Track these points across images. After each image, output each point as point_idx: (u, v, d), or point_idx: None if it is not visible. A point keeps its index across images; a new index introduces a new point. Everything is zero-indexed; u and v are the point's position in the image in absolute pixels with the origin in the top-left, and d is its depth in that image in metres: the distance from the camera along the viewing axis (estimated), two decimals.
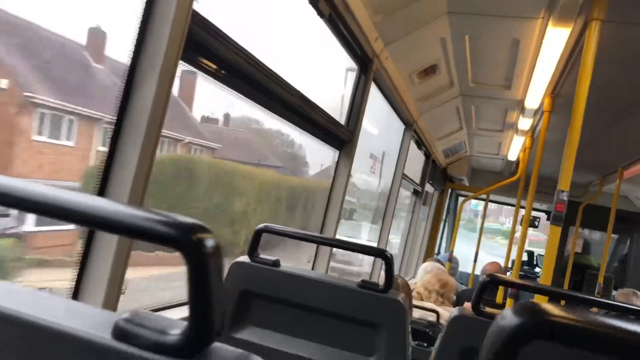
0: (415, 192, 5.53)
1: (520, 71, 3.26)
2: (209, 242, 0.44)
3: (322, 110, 2.33)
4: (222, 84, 1.53)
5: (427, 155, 5.40)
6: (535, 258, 8.88)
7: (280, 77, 1.88)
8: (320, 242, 1.90)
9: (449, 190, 7.47)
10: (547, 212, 8.10)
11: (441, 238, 7.84)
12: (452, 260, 5.55)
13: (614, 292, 6.06)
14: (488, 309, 1.37)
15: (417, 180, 5.41)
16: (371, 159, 3.90)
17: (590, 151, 5.17)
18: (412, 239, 5.95)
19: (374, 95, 3.31)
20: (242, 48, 1.53)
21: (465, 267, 6.57)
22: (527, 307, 0.40)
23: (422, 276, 4.22)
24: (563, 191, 2.10)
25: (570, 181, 2.11)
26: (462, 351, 1.36)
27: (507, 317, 0.40)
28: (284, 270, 1.51)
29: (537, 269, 8.50)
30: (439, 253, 7.36)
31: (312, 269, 2.68)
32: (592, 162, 5.79)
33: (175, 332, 0.45)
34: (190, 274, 0.43)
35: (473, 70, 3.42)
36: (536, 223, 8.00)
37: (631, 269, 6.75)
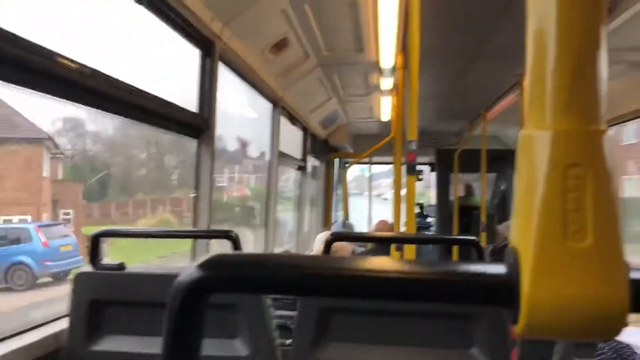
0: (299, 168, 5.57)
1: (367, 32, 3.34)
2: None
3: (168, 102, 2.24)
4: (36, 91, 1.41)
5: (304, 129, 5.44)
6: (423, 209, 9.32)
7: (110, 76, 1.77)
8: (164, 236, 1.84)
9: (335, 160, 7.61)
10: (430, 164, 8.53)
11: (336, 208, 8.01)
12: (345, 226, 5.68)
13: (498, 227, 6.52)
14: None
15: (299, 156, 5.44)
16: (238, 143, 3.85)
17: (453, 99, 5.48)
18: (305, 214, 6.01)
19: (232, 79, 3.25)
20: (50, 50, 1.41)
21: (363, 229, 6.76)
22: (206, 262, 0.39)
23: (318, 247, 4.29)
24: (411, 141, 2.18)
25: (416, 130, 2.20)
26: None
27: (188, 270, 0.39)
28: (129, 273, 1.45)
29: (428, 219, 8.93)
30: (335, 222, 7.51)
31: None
32: (459, 109, 6.15)
33: None
34: None
35: (324, 39, 3.46)
36: (420, 177, 8.39)
37: (509, 203, 7.29)
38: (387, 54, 3.60)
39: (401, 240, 1.78)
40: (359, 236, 1.84)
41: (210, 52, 2.59)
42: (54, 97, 1.58)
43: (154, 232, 1.57)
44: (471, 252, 1.60)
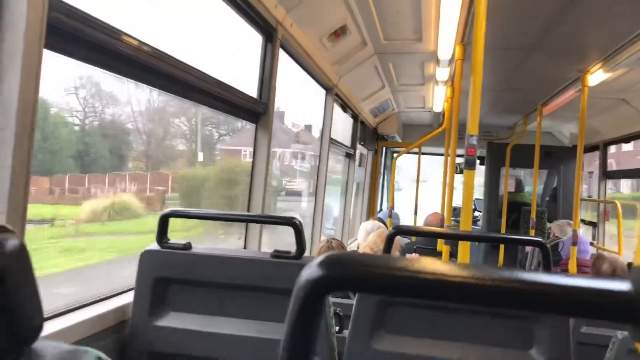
0: (348, 155, 5.58)
1: (427, 22, 3.29)
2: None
3: (229, 85, 2.28)
4: (104, 69, 1.46)
5: (355, 117, 5.43)
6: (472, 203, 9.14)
7: (175, 58, 1.82)
8: (228, 219, 1.88)
9: (383, 149, 7.57)
10: (480, 157, 8.37)
11: (382, 196, 7.98)
12: (392, 216, 5.66)
13: (549, 225, 6.36)
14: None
15: (348, 144, 5.44)
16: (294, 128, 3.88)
17: (509, 92, 5.34)
18: (351, 201, 6.02)
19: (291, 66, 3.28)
20: (119, 30, 1.46)
21: (408, 220, 6.72)
22: (327, 259, 0.40)
23: (363, 236, 4.29)
24: (472, 135, 2.15)
25: (477, 125, 2.16)
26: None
27: (311, 267, 0.40)
28: (196, 253, 1.49)
29: (475, 213, 8.79)
30: (380, 210, 7.49)
31: (245, 247, 2.66)
32: (514, 103, 5.99)
33: None
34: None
35: (382, 27, 3.43)
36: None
37: (561, 200, 7.10)
38: (446, 44, 3.54)
39: (465, 238, 1.76)
40: (421, 232, 1.83)
41: (272, 38, 2.62)
42: (115, 74, 1.63)
43: (218, 215, 1.61)
44: (518, 250, 1.59)
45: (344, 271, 0.40)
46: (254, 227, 2.65)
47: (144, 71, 1.65)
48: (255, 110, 2.61)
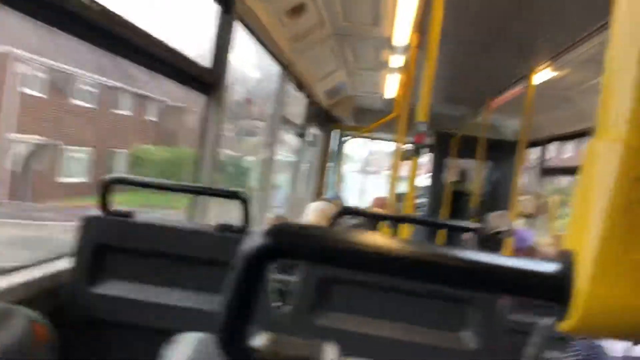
0: (299, 135, 5.57)
1: (385, 8, 3.30)
2: None
3: (178, 51, 2.22)
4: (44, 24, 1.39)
5: (309, 97, 5.42)
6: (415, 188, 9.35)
7: (117, 14, 1.75)
8: (173, 189, 1.85)
9: (336, 131, 7.61)
10: (429, 145, 8.55)
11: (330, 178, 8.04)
12: (339, 199, 5.72)
13: (489, 214, 6.59)
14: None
15: (300, 123, 5.43)
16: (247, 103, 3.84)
17: (460, 84, 5.46)
18: (301, 181, 6.03)
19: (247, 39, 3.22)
20: None
21: (354, 202, 6.81)
22: (272, 228, 0.40)
23: (310, 215, 4.32)
24: (421, 122, 2.19)
25: (427, 112, 2.21)
26: None
27: (256, 235, 0.40)
28: (139, 221, 1.46)
29: (419, 200, 9.00)
30: (328, 192, 7.55)
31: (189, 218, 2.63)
32: (464, 95, 6.14)
33: None
34: None
35: (342, 8, 3.42)
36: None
37: (501, 192, 7.36)
38: (402, 31, 3.57)
39: (407, 221, 1.81)
40: (367, 213, 1.86)
41: (230, 10, 2.56)
42: (58, 30, 1.54)
43: (164, 184, 1.58)
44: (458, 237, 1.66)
45: (289, 240, 0.40)
46: (201, 202, 2.62)
47: (89, 29, 1.57)
48: (207, 81, 2.56)
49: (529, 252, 3.42)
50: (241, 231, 1.46)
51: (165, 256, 1.47)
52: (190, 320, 1.48)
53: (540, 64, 3.98)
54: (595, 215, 0.36)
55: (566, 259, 0.37)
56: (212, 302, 1.48)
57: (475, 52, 4.07)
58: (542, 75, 4.06)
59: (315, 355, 0.50)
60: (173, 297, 1.46)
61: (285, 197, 6.09)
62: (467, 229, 1.65)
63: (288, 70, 4.05)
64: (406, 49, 3.97)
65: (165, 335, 0.70)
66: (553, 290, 0.37)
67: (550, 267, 0.38)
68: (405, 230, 2.18)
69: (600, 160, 0.37)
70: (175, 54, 2.21)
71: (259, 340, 0.50)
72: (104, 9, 1.62)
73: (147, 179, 1.51)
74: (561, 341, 1.87)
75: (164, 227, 1.47)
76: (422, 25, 3.39)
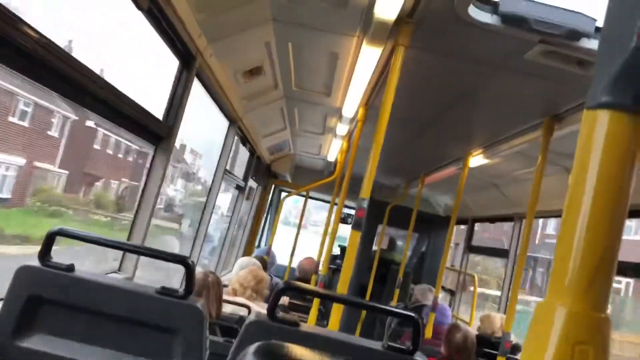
0: (238, 188, 5.57)
1: (338, 82, 3.46)
2: None
3: (135, 102, 2.23)
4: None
5: (252, 152, 5.47)
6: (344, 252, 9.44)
7: (81, 63, 1.75)
8: (119, 248, 1.81)
9: (273, 187, 7.65)
10: None
11: (262, 233, 8.00)
12: (269, 255, 5.71)
13: (412, 286, 6.76)
14: (282, 315, 1.44)
15: (241, 176, 5.45)
16: (192, 154, 3.83)
17: (398, 158, 5.70)
18: (233, 234, 5.98)
19: (198, 92, 3.25)
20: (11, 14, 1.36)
21: (285, 260, 6.79)
22: (261, 348, 0.43)
23: (237, 272, 4.27)
24: (364, 199, 2.28)
25: (370, 191, 2.30)
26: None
27: (246, 356, 0.43)
28: (79, 276, 1.42)
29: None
30: (259, 246, 7.50)
31: (119, 269, 2.55)
32: (400, 168, 6.39)
33: None
34: None
35: (296, 76, 3.55)
36: (349, 220, 8.55)
37: (427, 265, 7.59)
38: (351, 104, 3.73)
39: (344, 302, 1.84)
40: (310, 291, 1.87)
41: (190, 66, 2.61)
42: (6, 68, 1.48)
43: (110, 242, 1.54)
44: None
45: None
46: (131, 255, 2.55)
47: (34, 63, 1.52)
48: (157, 132, 2.56)
49: (450, 329, 3.53)
50: (183, 297, 1.45)
51: (101, 315, 1.42)
52: None
53: (474, 150, 4.25)
54: None
55: None
56: None
57: (417, 131, 4.30)
58: (476, 160, 4.32)
59: None
60: (102, 357, 1.41)
61: (213, 249, 6.00)
62: (401, 315, 1.71)
63: (236, 125, 4.11)
64: (352, 120, 4.14)
65: None
66: None
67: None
68: (338, 308, 2.24)
69: (546, 321, 0.43)
70: (128, 101, 2.20)
71: None
72: (50, 43, 1.56)
73: (92, 235, 1.48)
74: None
75: (103, 285, 1.43)
76: (370, 101, 3.57)
